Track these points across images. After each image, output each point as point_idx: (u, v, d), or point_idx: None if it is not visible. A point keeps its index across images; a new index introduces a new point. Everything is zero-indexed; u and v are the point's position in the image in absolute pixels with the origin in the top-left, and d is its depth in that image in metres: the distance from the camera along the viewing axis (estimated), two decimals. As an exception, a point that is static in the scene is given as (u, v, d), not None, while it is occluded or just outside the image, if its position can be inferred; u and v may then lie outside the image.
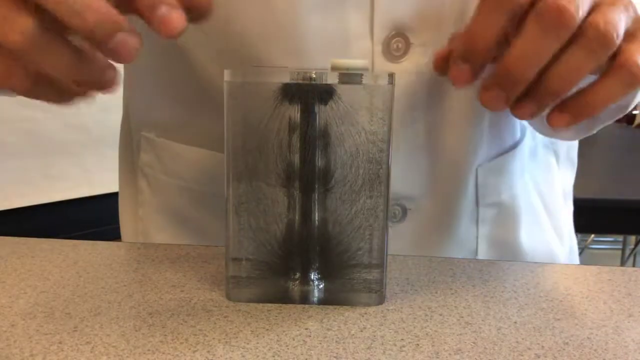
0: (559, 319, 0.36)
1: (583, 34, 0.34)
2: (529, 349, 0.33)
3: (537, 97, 0.36)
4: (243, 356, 0.31)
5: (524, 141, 0.55)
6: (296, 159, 0.36)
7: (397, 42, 0.45)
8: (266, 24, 0.45)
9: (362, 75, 0.35)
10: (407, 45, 0.45)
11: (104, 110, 1.95)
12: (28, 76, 0.33)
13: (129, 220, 0.61)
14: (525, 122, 0.54)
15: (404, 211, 0.50)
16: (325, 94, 0.35)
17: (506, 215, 0.54)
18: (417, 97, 0.47)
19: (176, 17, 0.32)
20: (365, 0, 0.44)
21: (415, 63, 0.46)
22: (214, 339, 0.33)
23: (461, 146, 0.50)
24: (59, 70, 0.32)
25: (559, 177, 0.61)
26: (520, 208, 0.55)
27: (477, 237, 0.53)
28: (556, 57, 0.34)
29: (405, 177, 0.49)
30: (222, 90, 0.36)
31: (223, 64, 0.40)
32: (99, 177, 2.05)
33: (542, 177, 0.59)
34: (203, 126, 0.52)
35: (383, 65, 0.46)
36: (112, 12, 0.31)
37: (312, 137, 0.35)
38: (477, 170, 0.52)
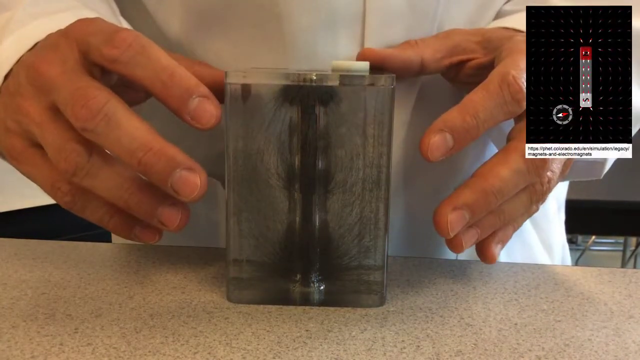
0: (559, 321, 0.36)
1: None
2: (530, 350, 0.33)
3: None
4: (244, 357, 0.31)
5: None
6: (296, 160, 0.36)
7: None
8: (256, 44, 0.44)
9: (363, 77, 0.35)
10: None
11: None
12: (70, 192, 0.34)
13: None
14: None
15: None
16: (326, 95, 0.35)
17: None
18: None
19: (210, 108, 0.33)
20: (357, 23, 0.43)
21: (399, 91, 0.45)
22: (214, 340, 0.33)
23: (440, 175, 0.49)
24: (108, 194, 0.33)
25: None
26: None
27: (456, 257, 0.52)
28: None
29: None
30: None
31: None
32: (100, 179, 2.05)
33: None
34: (192, 146, 0.51)
35: None
36: (169, 149, 0.32)
37: (313, 139, 0.35)
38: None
